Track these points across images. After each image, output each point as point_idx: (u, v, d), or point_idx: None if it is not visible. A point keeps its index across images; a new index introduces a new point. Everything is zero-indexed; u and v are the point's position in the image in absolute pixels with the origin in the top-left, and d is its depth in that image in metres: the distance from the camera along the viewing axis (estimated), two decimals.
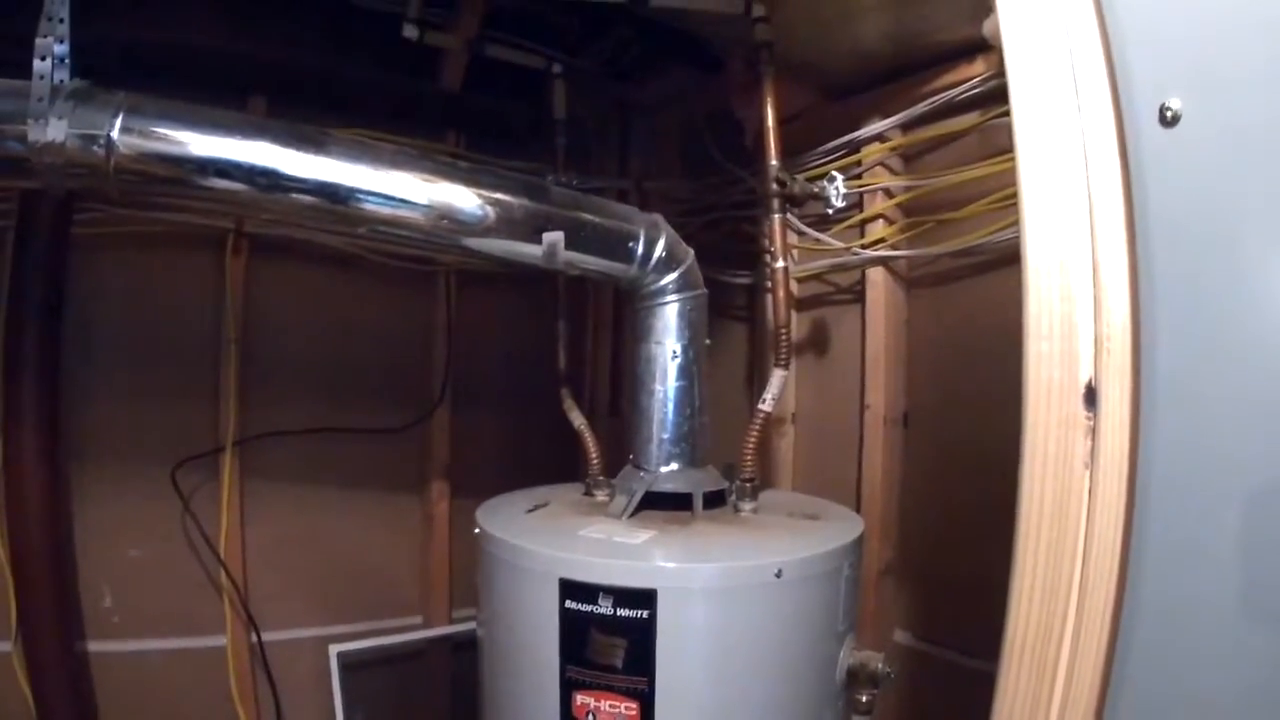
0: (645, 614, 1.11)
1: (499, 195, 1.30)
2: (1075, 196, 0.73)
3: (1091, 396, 0.71)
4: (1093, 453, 0.71)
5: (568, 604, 1.14)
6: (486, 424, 2.37)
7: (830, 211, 1.53)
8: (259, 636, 2.02)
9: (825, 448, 1.95)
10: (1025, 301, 0.74)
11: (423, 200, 1.26)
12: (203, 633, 2.00)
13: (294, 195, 1.20)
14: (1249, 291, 0.68)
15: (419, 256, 2.14)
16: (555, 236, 1.27)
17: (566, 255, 1.31)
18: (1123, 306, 0.71)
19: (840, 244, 1.82)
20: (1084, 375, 0.72)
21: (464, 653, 1.95)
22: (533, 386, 2.23)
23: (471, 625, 1.45)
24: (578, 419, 1.61)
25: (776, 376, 1.44)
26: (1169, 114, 0.69)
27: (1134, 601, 0.71)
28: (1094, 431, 0.71)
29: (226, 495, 1.99)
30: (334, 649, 2.03)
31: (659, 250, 1.39)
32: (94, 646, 1.88)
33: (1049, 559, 0.73)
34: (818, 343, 1.97)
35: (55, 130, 1.08)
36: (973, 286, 1.67)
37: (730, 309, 2.18)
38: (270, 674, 2.04)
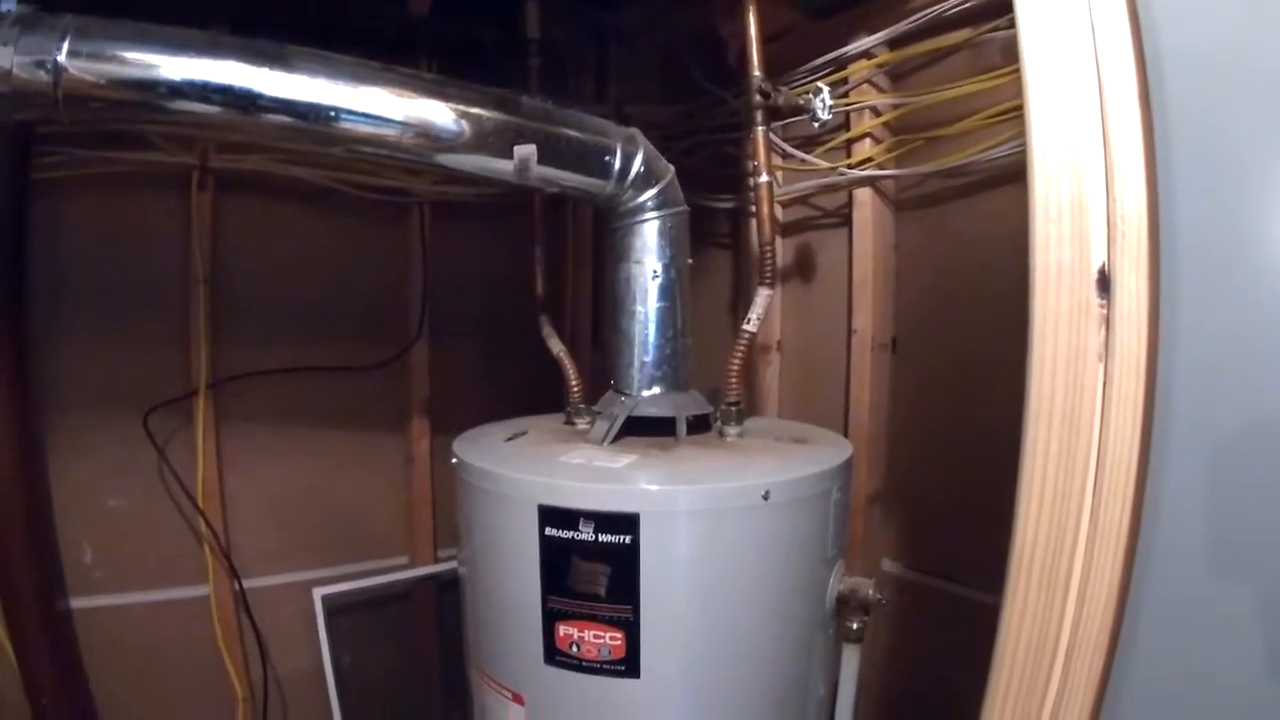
0: (628, 539, 1.07)
1: (471, 109, 1.24)
2: (1082, 58, 0.66)
3: (1105, 283, 0.66)
4: (1107, 344, 0.66)
5: (547, 531, 1.10)
6: (466, 358, 2.31)
7: (816, 125, 1.47)
8: (240, 584, 1.99)
9: (811, 376, 1.91)
10: (1031, 179, 0.68)
11: (399, 116, 1.20)
12: (185, 583, 1.96)
13: (267, 116, 1.14)
14: None
15: (392, 188, 2.06)
16: (527, 150, 1.21)
17: (540, 170, 1.24)
18: (1137, 183, 0.65)
19: (826, 164, 1.76)
20: (1097, 259, 0.66)
21: (450, 592, 1.93)
22: (512, 319, 2.15)
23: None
24: (556, 346, 1.56)
25: (761, 296, 1.38)
26: None
27: (1155, 508, 0.66)
28: (1108, 321, 0.66)
29: (202, 441, 1.93)
30: (318, 592, 2.00)
31: (636, 165, 1.32)
32: (76, 603, 1.84)
33: (1060, 462, 0.68)
34: (803, 268, 1.91)
35: (1, 58, 1.04)
36: (962, 208, 1.61)
37: (714, 236, 2.12)
38: (254, 621, 2.01)
